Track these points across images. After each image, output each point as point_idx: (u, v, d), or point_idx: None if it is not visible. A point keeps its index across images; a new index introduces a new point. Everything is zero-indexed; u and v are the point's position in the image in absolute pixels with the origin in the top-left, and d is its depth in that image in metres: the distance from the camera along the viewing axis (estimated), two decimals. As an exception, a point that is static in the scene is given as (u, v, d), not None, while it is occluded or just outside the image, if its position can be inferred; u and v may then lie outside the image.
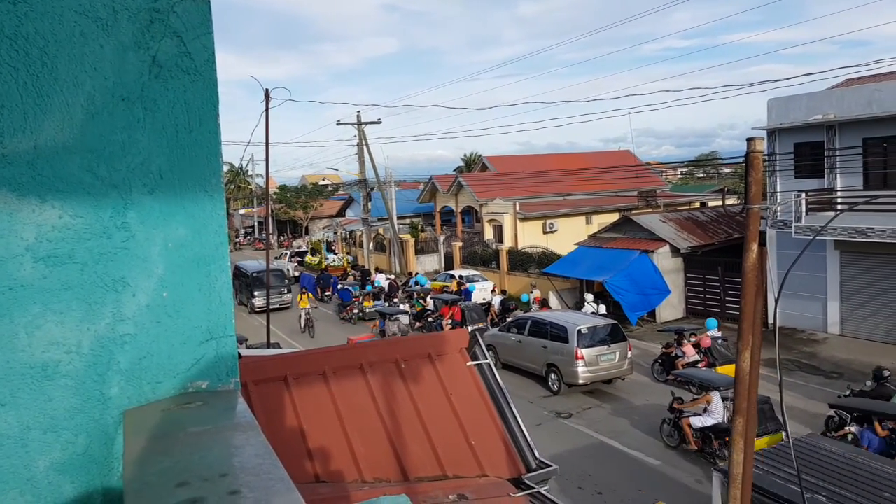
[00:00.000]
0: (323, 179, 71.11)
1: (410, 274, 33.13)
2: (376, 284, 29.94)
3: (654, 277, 22.91)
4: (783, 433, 11.82)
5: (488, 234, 36.56)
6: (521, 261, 30.34)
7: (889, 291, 19.27)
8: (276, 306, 27.32)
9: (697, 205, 37.21)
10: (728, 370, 15.19)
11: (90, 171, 1.29)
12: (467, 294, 25.62)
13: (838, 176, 20.32)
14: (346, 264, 39.66)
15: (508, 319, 20.62)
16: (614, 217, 29.70)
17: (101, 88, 1.29)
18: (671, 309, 23.63)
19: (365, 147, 35.64)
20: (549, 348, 16.76)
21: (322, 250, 43.84)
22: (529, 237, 33.91)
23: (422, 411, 5.66)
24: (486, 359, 6.44)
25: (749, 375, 4.62)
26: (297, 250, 46.18)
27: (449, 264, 35.61)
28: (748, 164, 4.74)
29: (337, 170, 49.43)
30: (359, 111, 35.78)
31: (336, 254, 43.72)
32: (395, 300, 27.27)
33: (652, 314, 23.44)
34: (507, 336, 18.34)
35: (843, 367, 15.66)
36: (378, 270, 34.99)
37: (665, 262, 23.66)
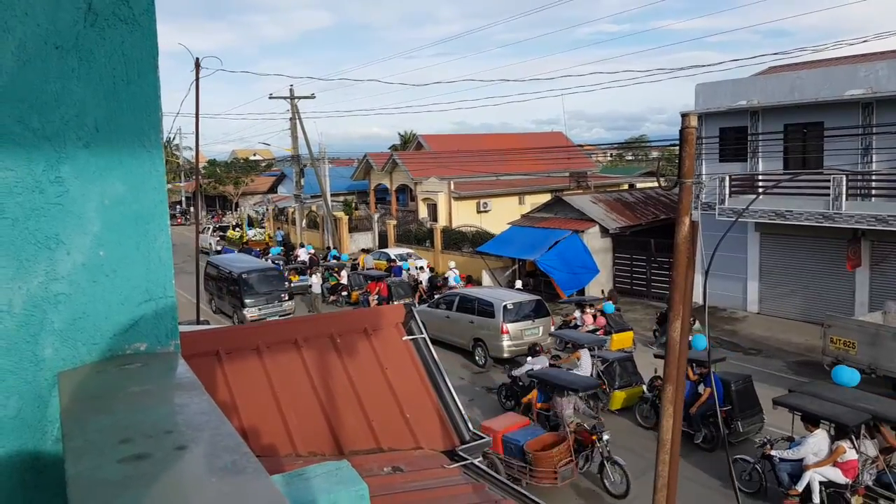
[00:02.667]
0: (254, 154, 69.21)
1: (329, 248, 33.06)
2: (299, 259, 29.82)
3: (584, 257, 23.52)
4: (643, 386, 13.61)
5: (423, 212, 36.57)
6: (455, 239, 30.54)
7: (804, 272, 20.46)
8: (277, 317, 19.75)
9: (626, 187, 38.33)
10: (622, 337, 16.96)
11: (21, 121, 1.23)
12: (398, 271, 25.69)
13: (760, 160, 21.23)
14: (267, 238, 39.19)
15: (436, 296, 20.90)
16: (547, 197, 30.22)
17: (34, 35, 1.23)
18: (600, 288, 24.34)
19: (298, 122, 34.86)
20: (476, 323, 17.26)
21: (244, 225, 43.05)
22: (464, 216, 34.13)
23: (357, 385, 5.66)
24: (422, 333, 6.50)
25: (679, 344, 4.83)
26: (219, 225, 45.22)
27: (383, 242, 35.48)
28: (682, 139, 4.91)
29: (269, 145, 48.19)
30: (291, 85, 35.01)
31: (262, 228, 43.17)
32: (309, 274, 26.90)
33: (581, 293, 24.11)
34: (435, 312, 18.59)
35: (760, 344, 16.58)
36: (301, 245, 34.63)
37: (594, 242, 24.32)
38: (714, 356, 12.72)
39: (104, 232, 1.34)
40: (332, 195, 38.45)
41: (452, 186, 35.09)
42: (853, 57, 23.66)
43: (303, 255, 30.63)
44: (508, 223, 27.76)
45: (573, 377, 12.21)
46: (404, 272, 25.81)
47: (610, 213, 25.76)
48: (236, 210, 54.93)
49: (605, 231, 24.61)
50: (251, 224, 45.40)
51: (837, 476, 9.39)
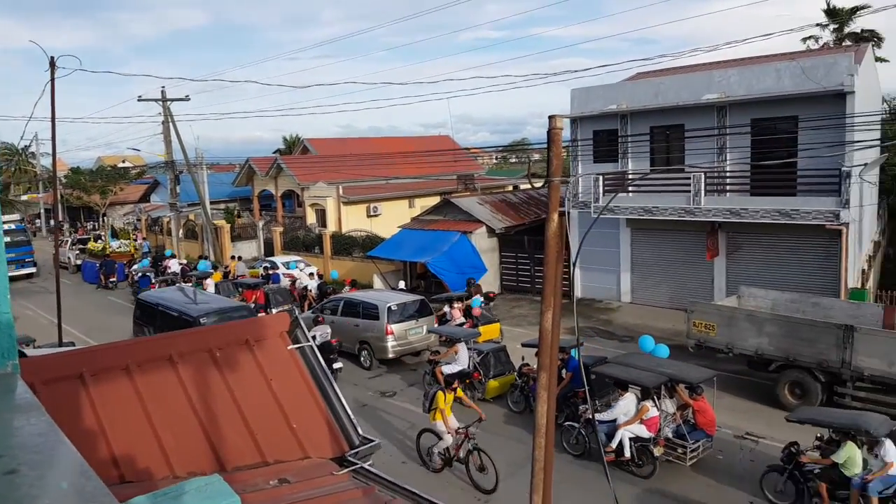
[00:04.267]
0: (123, 161, 65.04)
1: (201, 258, 31.86)
2: (170, 271, 28.38)
3: (473, 257, 24.08)
4: (514, 374, 14.48)
5: (311, 218, 35.92)
6: (346, 245, 30.25)
7: (670, 262, 21.99)
8: None
9: (511, 188, 39.55)
10: (490, 329, 17.94)
11: None
12: (276, 279, 25.15)
13: (630, 160, 22.55)
14: (132, 249, 37.11)
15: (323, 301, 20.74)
16: (436, 200, 30.60)
17: None
18: (487, 286, 24.91)
19: (171, 126, 33.15)
20: (361, 326, 17.41)
21: (107, 236, 40.38)
22: (353, 221, 33.87)
23: (239, 400, 5.50)
24: (308, 341, 6.41)
25: (551, 334, 5.08)
26: (80, 237, 42.08)
27: (269, 250, 34.51)
28: (550, 140, 5.17)
29: (139, 150, 45.73)
30: (163, 86, 33.20)
31: (133, 240, 40.65)
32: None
33: (478, 289, 24.63)
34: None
35: (633, 331, 17.67)
36: (172, 256, 33.06)
37: (482, 242, 24.94)
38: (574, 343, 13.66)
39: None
40: (212, 203, 36.87)
41: (341, 191, 34.72)
42: (709, 64, 25.67)
43: (174, 266, 29.15)
44: (399, 226, 27.87)
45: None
46: (283, 279, 25.31)
47: (496, 213, 26.49)
48: (103, 221, 51.35)
49: (491, 231, 25.28)
50: (115, 235, 42.53)
51: (643, 431, 10.85)
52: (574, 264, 13.79)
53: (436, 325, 17.77)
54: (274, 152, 57.18)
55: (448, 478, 11.20)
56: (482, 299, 19.85)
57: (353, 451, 5.60)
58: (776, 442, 11.09)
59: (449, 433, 11.12)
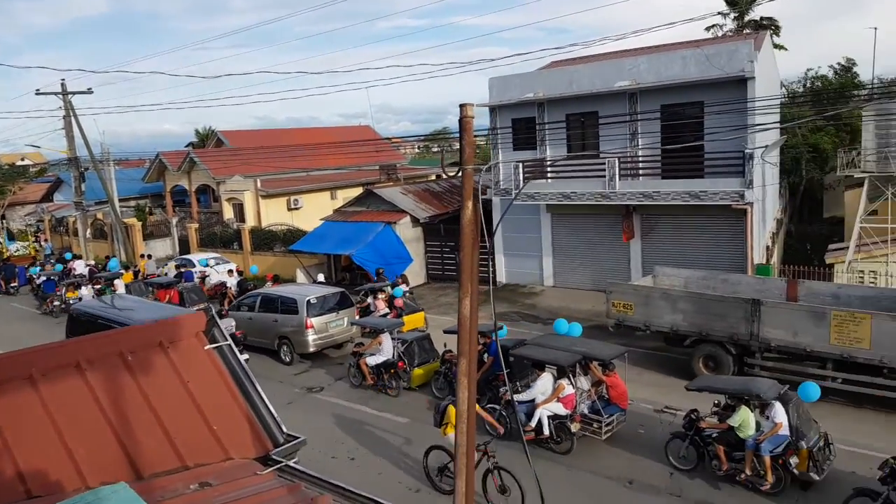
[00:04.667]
0: (22, 159, 60.95)
1: (108, 258, 30.50)
2: (76, 273, 26.96)
3: (398, 247, 23.99)
4: (438, 361, 14.58)
5: (228, 213, 34.81)
6: (266, 240, 29.52)
7: (589, 246, 22.64)
8: None
9: (434, 177, 39.62)
10: (414, 318, 18.03)
11: None
12: (189, 276, 24.33)
13: (548, 147, 22.97)
14: (32, 251, 34.97)
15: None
16: (358, 191, 30.29)
17: None
18: (413, 275, 24.95)
19: (73, 120, 31.30)
20: (280, 321, 17.13)
21: (3, 238, 37.81)
22: (274, 215, 33.06)
23: (155, 404, 5.29)
24: (227, 340, 6.22)
25: (469, 320, 5.11)
26: None
27: (185, 248, 33.25)
28: (461, 128, 5.18)
29: (39, 147, 42.68)
30: (63, 79, 31.25)
31: (33, 241, 38.18)
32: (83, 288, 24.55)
33: (404, 279, 24.57)
34: (238, 315, 17.99)
35: (556, 314, 18.00)
36: (76, 257, 31.40)
37: (406, 232, 24.89)
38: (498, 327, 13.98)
39: None
40: (121, 200, 35.13)
41: (259, 184, 33.80)
42: (620, 52, 26.45)
43: (79, 267, 27.62)
44: (321, 219, 27.42)
45: None
46: (195, 277, 24.50)
47: (419, 203, 26.48)
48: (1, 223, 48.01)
49: (415, 221, 25.26)
50: (12, 237, 39.83)
51: (560, 409, 11.27)
52: (492, 251, 13.91)
53: (357, 317, 17.67)
54: (186, 146, 55.07)
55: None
56: (405, 289, 19.91)
57: (277, 450, 5.49)
58: (692, 413, 11.64)
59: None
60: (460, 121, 5.09)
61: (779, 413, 9.66)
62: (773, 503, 9.58)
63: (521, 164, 22.42)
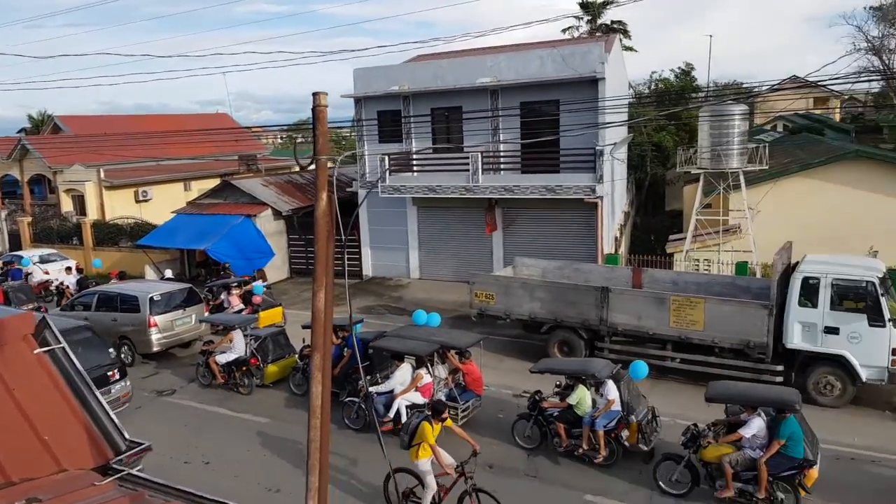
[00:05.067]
0: None
1: None
2: None
3: (258, 241, 23.13)
4: (295, 357, 14.43)
5: (67, 205, 31.86)
6: (111, 234, 27.35)
7: (454, 238, 23.08)
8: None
9: (297, 169, 38.53)
10: (271, 313, 17.63)
11: None
12: (16, 274, 22.14)
13: (414, 140, 23.04)
14: None
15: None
16: (215, 182, 28.85)
17: None
18: (276, 270, 24.23)
19: None
20: (120, 320, 16.09)
21: None
22: (120, 208, 30.70)
23: (-28, 415, 4.71)
24: (60, 343, 5.67)
25: (324, 314, 5.01)
26: None
27: (17, 244, 30.02)
28: (315, 118, 5.05)
29: None
30: None
31: None
32: None
33: (261, 275, 23.68)
34: (73, 315, 16.59)
35: (422, 306, 18.22)
36: None
37: (268, 226, 24.05)
38: (355, 321, 14.02)
39: None
40: (-64, 191, 31.08)
41: (103, 174, 31.23)
42: (483, 49, 27.11)
43: None
44: (173, 212, 25.80)
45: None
46: (24, 273, 22.32)
47: (282, 195, 25.67)
48: None
49: (277, 213, 24.48)
50: None
51: (418, 398, 11.51)
52: (344, 244, 13.77)
53: (207, 314, 16.97)
54: (18, 132, 49.75)
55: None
56: (263, 285, 19.37)
57: (118, 458, 5.09)
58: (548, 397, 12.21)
59: (443, 472, 8.85)
60: (313, 110, 4.98)
61: (611, 390, 10.41)
62: (605, 474, 10.22)
63: (387, 157, 22.40)
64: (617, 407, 10.41)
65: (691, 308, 13.48)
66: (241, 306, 17.77)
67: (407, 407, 11.43)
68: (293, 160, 44.03)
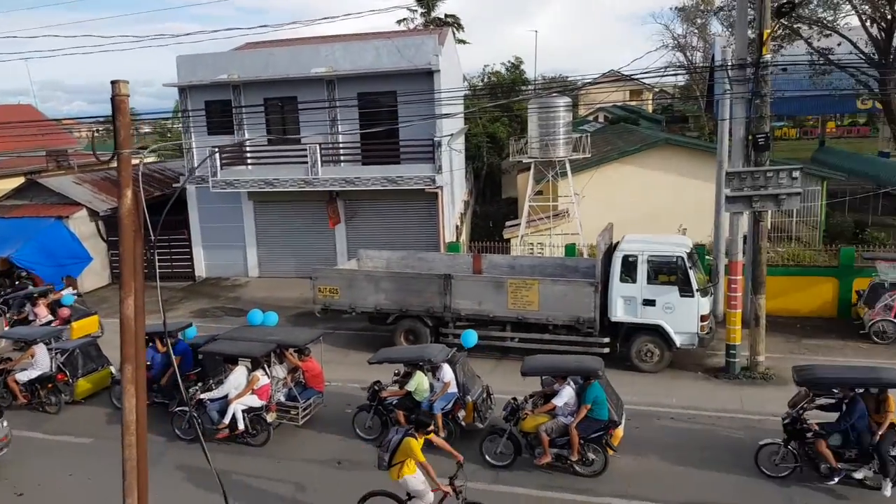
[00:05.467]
0: None
1: None
2: None
3: (73, 245, 20.97)
4: (110, 368, 13.47)
5: None
6: None
7: (295, 233, 22.42)
8: None
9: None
10: (85, 323, 16.45)
11: None
12: None
13: (246, 132, 22.02)
14: None
15: None
16: (19, 181, 25.66)
17: None
18: (96, 276, 22.16)
19: None
20: None
21: None
22: None
23: None
24: None
25: (135, 321, 4.55)
26: None
27: None
28: (115, 108, 4.58)
29: None
30: None
31: None
32: None
33: (73, 283, 21.46)
34: None
35: (263, 305, 17.40)
36: None
37: (84, 228, 21.88)
38: (180, 326, 13.46)
39: None
40: None
41: None
42: (319, 38, 26.48)
43: None
44: (-35, 216, 22.60)
45: None
46: None
47: (98, 193, 23.45)
48: None
49: (94, 214, 22.35)
50: None
51: (255, 401, 11.10)
52: (153, 244, 12.76)
53: (6, 329, 15.37)
54: None
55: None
56: (71, 292, 17.80)
57: None
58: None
59: (437, 489, 8.10)
60: (113, 99, 4.49)
61: (447, 373, 10.70)
62: (440, 456, 10.26)
63: (217, 151, 21.17)
64: (453, 389, 10.69)
65: (527, 290, 14.10)
66: (50, 317, 16.21)
67: (243, 411, 10.96)
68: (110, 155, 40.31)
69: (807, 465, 9.32)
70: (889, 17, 26.20)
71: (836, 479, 9.05)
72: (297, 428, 11.40)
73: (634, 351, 13.71)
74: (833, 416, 9.40)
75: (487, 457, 10.13)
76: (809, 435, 9.18)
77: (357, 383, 12.90)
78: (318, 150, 20.58)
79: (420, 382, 10.79)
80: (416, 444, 7.99)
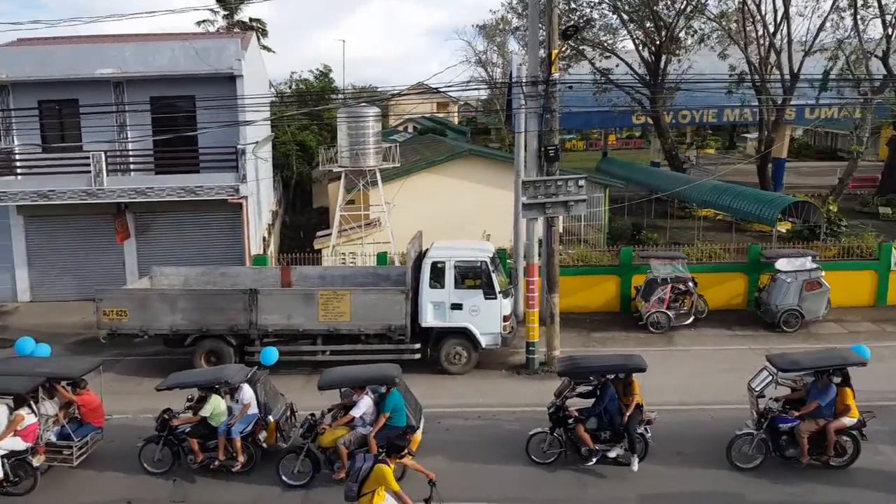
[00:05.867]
0: None
1: None
2: None
3: None
4: None
5: None
6: None
7: (76, 251, 20.20)
8: None
9: None
10: None
11: None
12: None
13: (16, 138, 19.73)
14: None
15: None
16: None
17: None
18: None
19: None
20: None
21: None
22: None
23: None
24: None
25: None
26: None
27: None
28: None
29: None
30: None
31: None
32: None
33: None
34: None
35: (35, 333, 15.28)
36: None
37: None
38: None
39: None
40: None
41: None
42: (106, 36, 24.27)
43: None
44: None
45: None
46: None
47: None
48: None
49: None
50: None
51: (18, 444, 9.58)
52: None
53: None
54: None
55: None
56: None
57: None
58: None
59: None
60: None
61: (247, 394, 10.10)
62: (243, 483, 9.91)
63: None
64: (254, 410, 10.12)
65: (338, 301, 13.84)
66: None
67: (3, 456, 9.42)
68: None
69: (570, 450, 10.02)
70: (657, 42, 29.85)
71: (594, 460, 9.84)
72: (73, 469, 10.09)
73: (444, 354, 14.01)
74: (591, 403, 10.23)
75: (284, 477, 9.71)
76: (570, 421, 9.91)
77: (150, 413, 11.65)
78: (104, 158, 18.67)
79: (216, 406, 10.06)
80: (388, 470, 7.36)
